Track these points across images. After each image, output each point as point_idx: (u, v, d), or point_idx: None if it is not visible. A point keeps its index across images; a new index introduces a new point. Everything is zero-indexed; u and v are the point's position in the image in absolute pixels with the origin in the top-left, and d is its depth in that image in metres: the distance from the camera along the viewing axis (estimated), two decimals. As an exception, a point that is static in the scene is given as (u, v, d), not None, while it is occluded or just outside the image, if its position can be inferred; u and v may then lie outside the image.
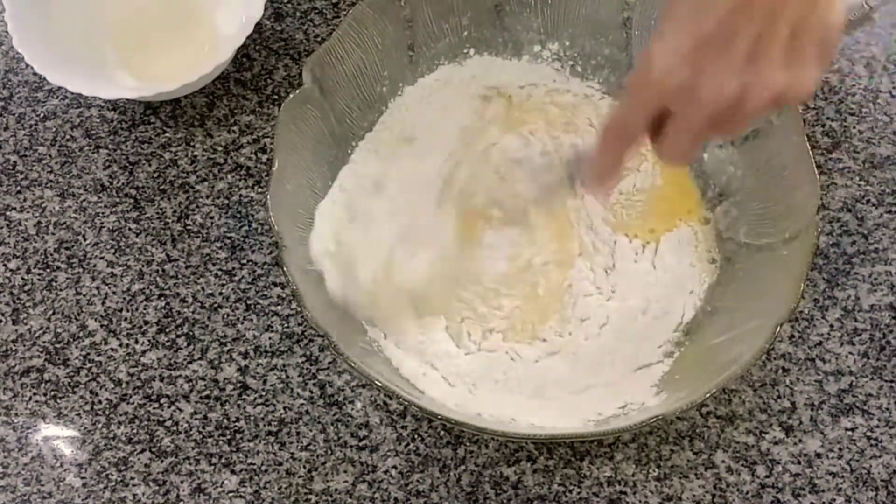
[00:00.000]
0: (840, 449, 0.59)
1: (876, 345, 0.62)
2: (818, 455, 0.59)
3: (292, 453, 0.60)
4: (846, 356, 0.62)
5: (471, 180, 0.62)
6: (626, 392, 0.58)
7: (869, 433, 0.59)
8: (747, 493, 0.58)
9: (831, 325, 0.63)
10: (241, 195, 0.68)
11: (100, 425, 0.61)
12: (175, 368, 0.63)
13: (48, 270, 0.66)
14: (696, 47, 0.43)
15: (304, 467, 0.59)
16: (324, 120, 0.63)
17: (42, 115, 0.72)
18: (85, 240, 0.67)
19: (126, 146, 0.70)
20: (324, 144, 0.63)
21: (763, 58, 0.43)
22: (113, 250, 0.67)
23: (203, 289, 0.65)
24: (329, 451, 0.60)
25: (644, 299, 0.61)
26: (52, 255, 0.67)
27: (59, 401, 0.62)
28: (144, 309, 0.65)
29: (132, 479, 0.60)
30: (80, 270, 0.66)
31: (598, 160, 0.51)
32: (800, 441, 0.59)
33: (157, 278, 0.66)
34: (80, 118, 0.72)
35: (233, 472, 0.59)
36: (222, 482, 0.59)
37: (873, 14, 0.58)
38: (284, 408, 0.61)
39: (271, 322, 0.64)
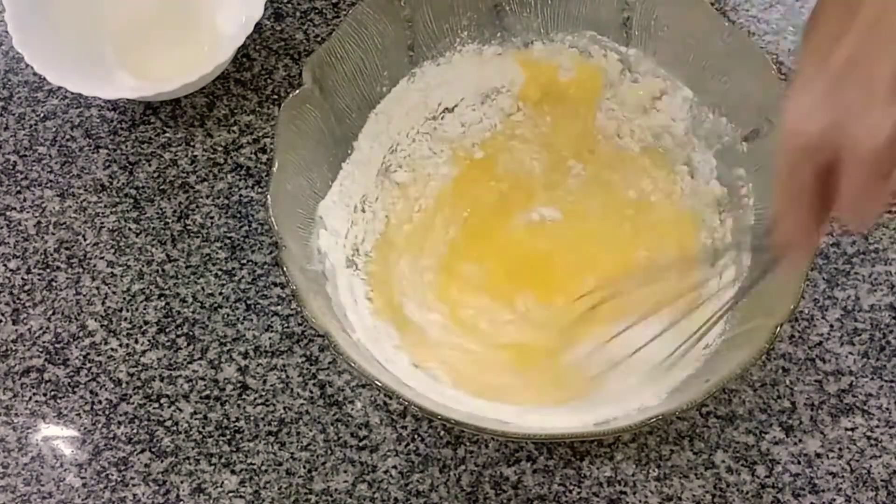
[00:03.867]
0: (840, 449, 0.59)
1: (876, 345, 0.62)
2: (818, 455, 0.59)
3: (292, 453, 0.60)
4: (846, 356, 0.62)
5: None
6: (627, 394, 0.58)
7: (869, 433, 0.59)
8: (747, 493, 0.58)
9: (831, 325, 0.63)
10: (241, 195, 0.68)
11: (100, 425, 0.61)
12: (175, 368, 0.63)
13: (48, 270, 0.66)
14: (832, 85, 0.37)
15: (304, 467, 0.59)
16: (324, 120, 0.63)
17: (42, 115, 0.72)
18: (85, 240, 0.67)
19: (126, 146, 0.70)
20: (324, 144, 0.63)
21: None
22: (113, 250, 0.67)
23: (203, 289, 0.65)
24: (329, 451, 0.60)
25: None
26: (52, 255, 0.67)
27: (59, 401, 0.62)
28: (144, 309, 0.65)
29: (132, 479, 0.60)
30: (80, 270, 0.66)
31: (784, 233, 0.44)
32: (800, 441, 0.59)
33: (157, 278, 0.66)
34: (80, 118, 0.72)
35: (233, 472, 0.59)
36: (222, 482, 0.59)
37: None
38: (284, 408, 0.61)
39: (271, 322, 0.64)
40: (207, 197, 0.68)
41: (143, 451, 0.60)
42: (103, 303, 0.65)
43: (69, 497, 0.59)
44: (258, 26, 0.69)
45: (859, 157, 0.37)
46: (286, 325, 0.64)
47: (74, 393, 0.62)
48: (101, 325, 0.64)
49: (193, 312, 0.64)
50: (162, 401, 0.62)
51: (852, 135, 0.36)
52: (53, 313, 0.65)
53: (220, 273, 0.66)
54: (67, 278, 0.66)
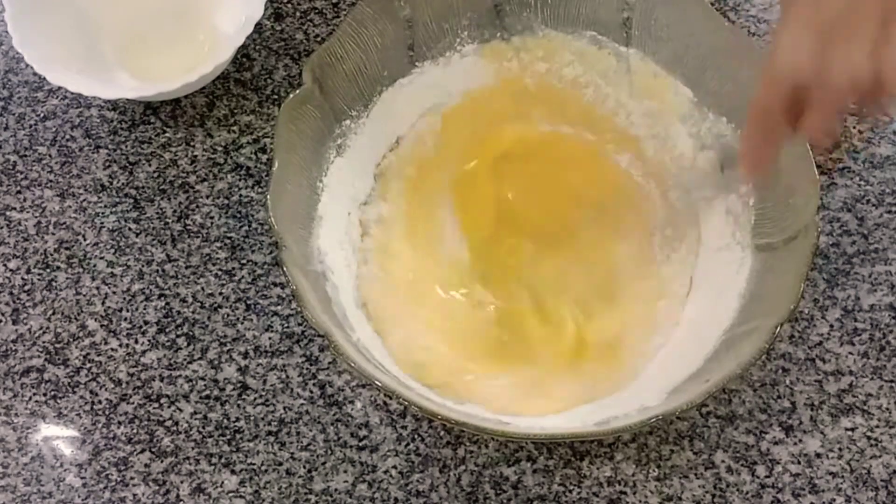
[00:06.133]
0: (840, 449, 0.59)
1: (876, 345, 0.62)
2: (818, 455, 0.59)
3: (292, 453, 0.60)
4: (846, 356, 0.62)
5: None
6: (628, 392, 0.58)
7: (869, 433, 0.59)
8: (747, 493, 0.58)
9: (831, 325, 0.63)
10: (241, 195, 0.68)
11: (100, 425, 0.61)
12: (175, 368, 0.63)
13: (48, 270, 0.66)
14: (820, 35, 0.43)
15: (304, 467, 0.59)
16: (324, 120, 0.63)
17: (42, 115, 0.72)
18: (85, 240, 0.67)
19: (126, 146, 0.70)
20: (324, 144, 0.63)
21: (894, 38, 0.42)
22: (113, 250, 0.67)
23: (203, 289, 0.65)
24: (329, 451, 0.60)
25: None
26: (52, 255, 0.67)
27: (59, 401, 0.62)
28: (144, 309, 0.65)
29: (132, 479, 0.60)
30: (80, 270, 0.66)
31: (746, 149, 0.52)
32: (800, 441, 0.59)
33: (157, 278, 0.66)
34: (80, 118, 0.72)
35: (233, 472, 0.59)
36: (222, 482, 0.59)
37: None
38: (284, 408, 0.61)
39: (271, 322, 0.64)
40: (207, 197, 0.68)
41: (143, 451, 0.60)
42: (103, 303, 0.65)
43: (69, 497, 0.59)
44: (258, 26, 0.69)
45: (835, 88, 0.43)
46: (286, 325, 0.64)
47: (74, 393, 0.62)
48: (101, 325, 0.64)
49: (193, 312, 0.64)
50: (162, 401, 0.62)
51: (833, 76, 0.43)
52: (53, 313, 0.65)
53: (220, 273, 0.66)
54: (67, 278, 0.66)
